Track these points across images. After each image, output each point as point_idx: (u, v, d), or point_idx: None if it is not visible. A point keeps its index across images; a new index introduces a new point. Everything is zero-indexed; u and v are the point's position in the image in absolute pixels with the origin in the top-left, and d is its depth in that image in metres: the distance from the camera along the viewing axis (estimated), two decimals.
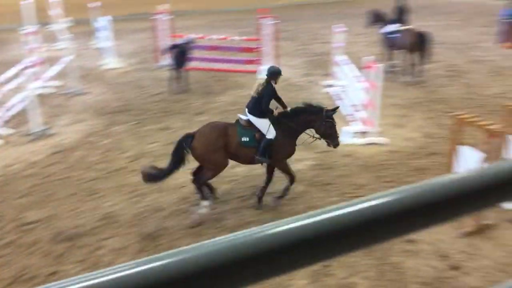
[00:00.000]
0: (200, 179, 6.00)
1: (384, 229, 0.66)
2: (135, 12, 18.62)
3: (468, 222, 5.74)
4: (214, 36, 12.86)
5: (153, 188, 6.44)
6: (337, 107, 6.43)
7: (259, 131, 6.01)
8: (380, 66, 7.67)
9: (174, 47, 10.54)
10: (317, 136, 6.21)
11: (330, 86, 10.60)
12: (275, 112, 6.14)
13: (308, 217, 0.63)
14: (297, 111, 6.15)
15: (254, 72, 11.56)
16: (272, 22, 11.48)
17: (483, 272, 4.99)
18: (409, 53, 10.75)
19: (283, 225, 0.63)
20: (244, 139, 5.95)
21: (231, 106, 9.67)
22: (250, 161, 6.04)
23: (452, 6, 19.70)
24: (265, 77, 6.17)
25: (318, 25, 16.78)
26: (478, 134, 6.83)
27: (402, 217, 0.66)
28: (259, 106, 6.01)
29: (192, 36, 11.41)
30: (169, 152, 6.11)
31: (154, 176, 5.96)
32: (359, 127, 8.24)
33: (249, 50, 12.04)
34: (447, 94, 10.14)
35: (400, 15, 11.02)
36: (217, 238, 0.67)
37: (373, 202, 0.65)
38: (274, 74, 6.17)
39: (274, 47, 11.62)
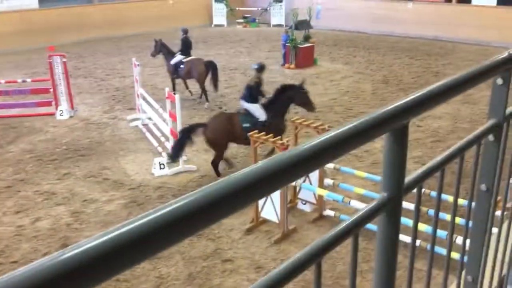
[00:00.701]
0: (213, 163, 7.69)
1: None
2: None
3: (276, 230, 6.30)
4: (1, 80, 11.67)
5: None
6: (304, 80, 8.28)
7: (254, 116, 7.61)
8: (178, 96, 7.94)
9: None
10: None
11: (136, 119, 10.55)
12: (262, 100, 7.77)
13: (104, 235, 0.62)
14: (278, 92, 7.77)
15: (51, 114, 10.84)
16: (64, 59, 10.95)
17: None
18: (199, 81, 11.54)
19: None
20: (245, 124, 7.53)
21: (28, 154, 8.87)
22: (249, 143, 6.76)
23: (239, 35, 21.51)
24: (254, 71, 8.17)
25: (116, 59, 16.56)
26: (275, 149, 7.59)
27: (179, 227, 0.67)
28: (250, 94, 7.79)
29: None
30: None
31: (172, 155, 7.65)
32: (167, 157, 8.37)
33: (42, 91, 11.23)
34: None
35: (185, 47, 11.84)
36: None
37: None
38: (261, 68, 8.24)
39: (69, 85, 11.07)
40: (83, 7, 20.39)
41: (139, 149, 9.16)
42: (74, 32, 19.61)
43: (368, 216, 0.94)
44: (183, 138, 7.58)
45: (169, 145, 8.53)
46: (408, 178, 1.01)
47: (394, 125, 0.90)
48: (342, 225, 0.88)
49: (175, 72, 11.76)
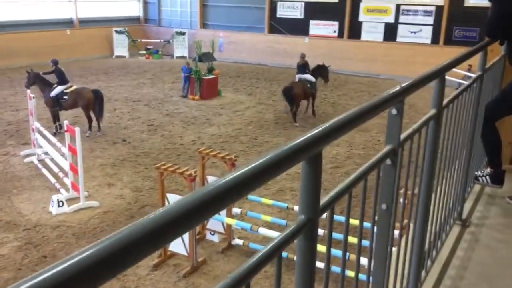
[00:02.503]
0: (293, 113, 12.77)
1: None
2: None
3: (185, 263, 6.18)
4: None
5: None
6: (330, 64, 14.47)
7: (308, 80, 13.24)
8: (78, 129, 7.60)
9: None
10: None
11: (32, 155, 9.86)
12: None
13: None
14: (315, 68, 13.69)
15: None
16: None
17: None
18: (86, 109, 11.26)
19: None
20: (308, 85, 13.07)
21: None
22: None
23: (142, 67, 21.25)
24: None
25: (8, 92, 15.48)
26: (182, 180, 7.52)
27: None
28: (303, 69, 13.43)
29: None
30: None
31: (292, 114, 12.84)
32: (66, 194, 7.91)
33: None
34: (149, 147, 10.79)
35: (61, 78, 11.34)
36: None
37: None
38: (304, 55, 13.90)
39: None
40: None
41: (34, 187, 8.55)
42: None
43: (288, 239, 0.98)
44: (289, 97, 12.64)
45: (68, 180, 8.08)
46: (322, 201, 1.08)
47: (309, 153, 0.96)
48: (265, 249, 0.91)
49: (56, 104, 11.21)
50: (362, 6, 20.65)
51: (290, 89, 12.52)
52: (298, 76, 13.41)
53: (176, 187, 8.25)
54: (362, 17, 20.75)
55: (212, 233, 6.90)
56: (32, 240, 6.71)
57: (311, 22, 21.79)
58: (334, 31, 21.40)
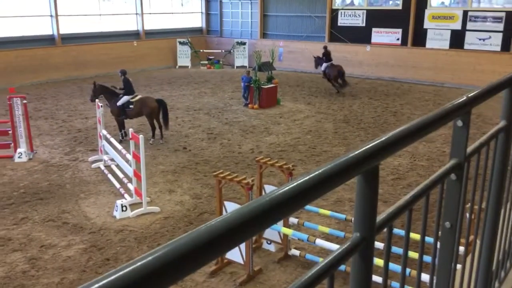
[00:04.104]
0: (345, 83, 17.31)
1: None
2: None
3: (241, 271, 6.19)
4: None
5: None
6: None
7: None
8: (142, 137, 7.86)
9: None
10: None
11: (98, 161, 10.34)
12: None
13: None
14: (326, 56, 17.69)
15: (9, 157, 10.48)
16: (25, 101, 10.72)
17: None
18: (150, 118, 11.62)
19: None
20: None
21: None
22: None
23: (203, 76, 21.74)
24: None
25: (77, 101, 16.35)
26: (239, 189, 7.57)
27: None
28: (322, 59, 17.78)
29: None
30: None
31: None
32: (130, 199, 8.19)
33: (0, 133, 10.88)
34: (208, 155, 10.98)
35: (128, 87, 11.75)
36: None
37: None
38: (326, 47, 18.31)
39: (28, 127, 10.80)
40: (46, 48, 20.18)
41: (100, 191, 8.93)
42: (35, 74, 19.32)
43: (342, 257, 0.94)
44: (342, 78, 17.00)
45: (132, 186, 8.37)
46: (379, 218, 1.03)
47: (365, 167, 0.92)
48: (317, 267, 0.88)
49: (122, 113, 11.66)
50: (427, 13, 20.01)
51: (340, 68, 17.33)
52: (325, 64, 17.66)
53: (233, 195, 8.31)
54: (427, 24, 20.10)
55: (269, 242, 6.88)
56: (96, 243, 6.99)
57: (373, 30, 21.39)
58: (397, 39, 20.88)
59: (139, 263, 0.59)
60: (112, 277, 0.57)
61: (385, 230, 1.12)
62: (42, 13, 20.24)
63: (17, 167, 10.10)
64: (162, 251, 0.61)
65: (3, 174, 9.70)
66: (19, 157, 10.47)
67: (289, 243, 6.69)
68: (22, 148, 10.60)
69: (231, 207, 6.39)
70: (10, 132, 10.59)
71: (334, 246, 6.17)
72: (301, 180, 0.78)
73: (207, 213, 7.98)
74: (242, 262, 6.14)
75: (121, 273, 0.58)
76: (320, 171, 0.81)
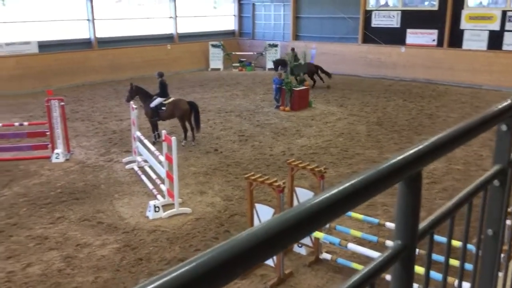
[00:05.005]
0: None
1: None
2: None
3: (271, 274, 6.17)
4: None
5: None
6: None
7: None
8: (175, 138, 7.95)
9: None
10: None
11: (132, 162, 10.52)
12: None
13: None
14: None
15: (47, 157, 10.79)
16: (63, 103, 11.02)
17: None
18: (182, 120, 11.72)
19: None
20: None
21: (22, 198, 8.75)
22: None
23: (235, 79, 21.84)
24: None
25: (113, 103, 16.70)
26: (270, 191, 7.55)
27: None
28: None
29: None
30: None
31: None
32: (162, 200, 8.29)
33: (39, 134, 11.24)
34: (239, 157, 11.00)
35: (162, 90, 11.94)
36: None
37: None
38: (293, 49, 18.95)
39: (66, 129, 11.09)
40: (83, 52, 20.71)
41: (134, 192, 9.08)
42: (72, 76, 19.85)
43: (384, 265, 0.91)
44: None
45: (164, 187, 8.47)
46: (421, 225, 0.99)
47: (408, 173, 0.89)
48: (357, 276, 0.85)
49: (155, 114, 11.85)
50: (464, 13, 19.50)
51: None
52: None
53: (264, 197, 8.30)
54: (463, 24, 19.59)
55: (300, 245, 6.83)
56: (130, 243, 7.10)
57: (408, 30, 21.00)
58: (433, 40, 20.43)
59: (178, 271, 0.58)
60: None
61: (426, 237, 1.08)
62: (80, 17, 20.78)
63: (54, 168, 10.38)
64: (204, 258, 0.60)
65: (41, 174, 9.99)
66: (56, 158, 10.76)
67: (320, 247, 6.62)
68: (59, 149, 10.89)
69: (262, 209, 6.38)
70: (48, 133, 10.91)
71: (366, 251, 6.06)
72: (343, 186, 0.75)
73: (238, 215, 8.00)
74: (272, 265, 6.11)
75: (165, 279, 0.57)
76: (362, 177, 0.79)
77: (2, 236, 7.34)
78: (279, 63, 18.78)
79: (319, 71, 18.73)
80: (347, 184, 0.75)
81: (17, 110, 15.64)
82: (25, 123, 11.72)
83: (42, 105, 12.10)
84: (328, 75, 18.79)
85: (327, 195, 0.71)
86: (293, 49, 19.47)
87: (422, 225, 1.02)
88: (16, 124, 11.67)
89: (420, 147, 0.92)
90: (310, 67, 18.44)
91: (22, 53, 18.94)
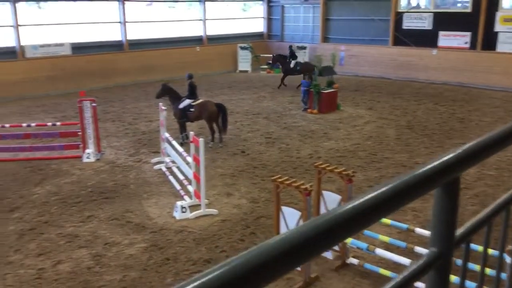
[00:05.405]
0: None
1: None
2: None
3: (297, 277, 6.12)
4: (32, 123, 12.02)
5: None
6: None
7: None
8: (202, 140, 7.99)
9: None
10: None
11: (160, 163, 10.64)
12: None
13: None
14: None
15: (78, 157, 11.02)
16: (94, 104, 11.24)
17: None
18: (209, 121, 11.79)
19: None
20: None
21: (54, 196, 8.96)
22: None
23: (263, 81, 21.84)
24: None
25: (142, 104, 16.94)
26: (297, 194, 7.50)
27: None
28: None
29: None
30: None
31: None
32: (189, 201, 8.35)
33: (71, 134, 11.50)
34: (266, 159, 10.98)
35: (191, 91, 12.05)
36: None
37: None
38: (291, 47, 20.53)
39: (97, 129, 11.31)
40: (114, 54, 21.10)
41: (162, 192, 9.17)
42: (104, 78, 20.23)
43: (418, 273, 0.87)
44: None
45: (191, 188, 8.52)
46: (457, 233, 0.95)
47: (445, 179, 0.85)
48: (391, 284, 0.82)
49: (183, 116, 11.96)
50: (499, 15, 18.99)
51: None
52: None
53: (291, 200, 8.24)
54: (498, 27, 19.08)
55: None
56: (157, 243, 7.17)
57: (440, 33, 20.59)
58: (466, 42, 19.97)
59: (207, 277, 0.56)
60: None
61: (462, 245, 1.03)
62: (112, 20, 21.19)
63: (85, 167, 10.59)
64: (236, 262, 0.58)
65: (72, 174, 10.21)
66: (87, 158, 10.98)
67: (347, 251, 6.54)
68: (90, 149, 11.11)
69: (288, 212, 6.34)
70: (79, 133, 11.14)
71: (394, 257, 5.95)
72: (378, 192, 0.72)
73: (264, 217, 7.97)
74: (298, 268, 6.06)
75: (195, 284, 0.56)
76: (397, 182, 0.75)
77: (33, 233, 7.53)
78: (277, 59, 19.88)
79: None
80: (382, 189, 0.72)
81: (50, 110, 16.04)
82: (58, 123, 12.01)
83: (74, 105, 12.37)
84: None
85: (362, 200, 0.69)
86: (290, 46, 20.48)
87: (459, 232, 0.98)
88: (49, 124, 11.98)
89: (459, 151, 0.88)
90: (308, 66, 18.62)
91: (56, 54, 19.43)
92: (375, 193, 0.71)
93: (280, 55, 20.36)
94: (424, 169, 0.81)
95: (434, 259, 0.88)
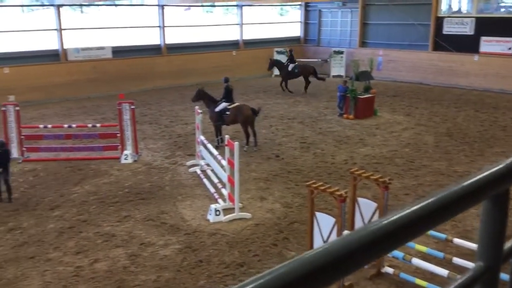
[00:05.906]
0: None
1: None
2: None
3: (331, 286, 6.03)
4: (73, 125, 12.40)
5: None
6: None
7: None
8: (237, 144, 8.02)
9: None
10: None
11: (195, 165, 10.75)
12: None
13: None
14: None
15: (116, 158, 11.28)
16: (133, 106, 11.49)
17: None
18: (244, 125, 11.84)
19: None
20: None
21: (92, 196, 9.20)
22: None
23: (298, 85, 21.75)
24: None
25: (179, 107, 17.18)
26: (332, 200, 7.42)
27: None
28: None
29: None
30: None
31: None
32: (223, 204, 8.39)
33: (110, 136, 11.79)
34: (301, 164, 10.92)
35: (227, 95, 12.13)
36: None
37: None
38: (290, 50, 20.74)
39: (135, 131, 11.55)
40: (152, 58, 21.51)
41: (196, 195, 9.26)
42: (142, 81, 20.65)
43: (464, 287, 0.84)
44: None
45: (225, 191, 8.57)
46: (505, 246, 0.91)
47: (495, 191, 0.82)
48: None
49: (219, 119, 12.05)
50: None
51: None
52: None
53: (325, 206, 8.16)
54: None
55: None
56: (191, 245, 7.24)
57: (482, 38, 19.99)
58: (509, 48, 19.30)
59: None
60: None
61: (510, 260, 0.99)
62: (152, 24, 21.62)
63: (123, 168, 10.82)
64: (280, 271, 0.58)
65: (110, 174, 10.45)
66: (125, 159, 11.22)
67: (382, 260, 6.41)
68: (128, 151, 11.35)
69: (322, 218, 6.28)
70: (118, 135, 11.41)
71: (431, 267, 5.79)
72: (424, 203, 0.70)
73: (297, 222, 7.93)
74: None
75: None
76: (444, 194, 0.73)
77: (72, 231, 7.74)
78: (274, 64, 20.07)
79: (313, 74, 19.34)
80: (428, 201, 0.70)
81: (90, 112, 16.49)
82: (98, 125, 12.34)
83: (114, 107, 12.67)
84: (322, 79, 19.44)
85: (408, 211, 0.66)
86: (291, 50, 20.65)
87: (506, 246, 0.94)
88: (89, 125, 12.31)
89: (508, 162, 0.84)
90: (307, 68, 19.26)
91: (97, 58, 19.98)
92: (422, 204, 0.68)
93: (277, 59, 20.71)
94: (473, 180, 0.77)
95: (481, 274, 0.85)
